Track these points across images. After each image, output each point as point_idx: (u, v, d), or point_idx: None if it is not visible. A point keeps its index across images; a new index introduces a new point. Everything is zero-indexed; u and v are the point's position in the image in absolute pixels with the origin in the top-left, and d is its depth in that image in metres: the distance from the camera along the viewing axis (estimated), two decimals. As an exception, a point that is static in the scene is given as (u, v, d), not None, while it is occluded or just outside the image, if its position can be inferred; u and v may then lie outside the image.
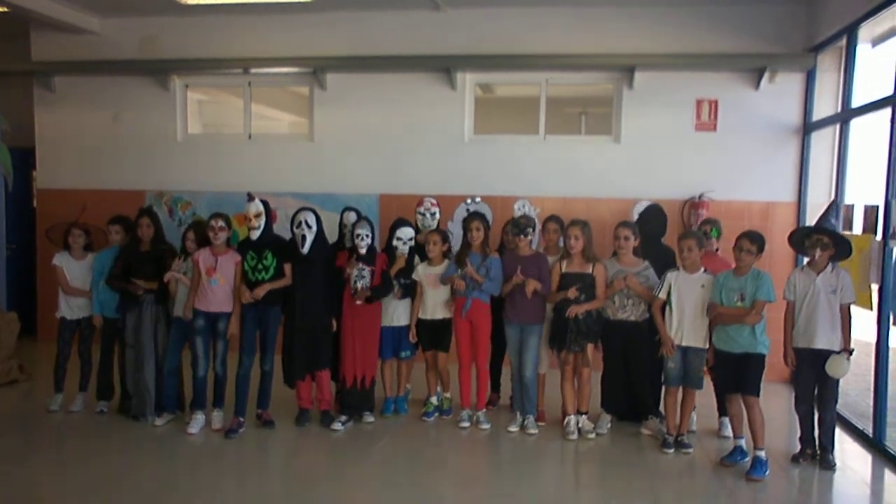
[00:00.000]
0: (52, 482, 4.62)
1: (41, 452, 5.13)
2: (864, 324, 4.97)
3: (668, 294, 5.10)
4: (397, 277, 5.56)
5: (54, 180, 8.43)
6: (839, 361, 4.73)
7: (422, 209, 5.93)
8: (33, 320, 8.14)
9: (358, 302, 5.39)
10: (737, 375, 4.84)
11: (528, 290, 5.26)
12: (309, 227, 5.34)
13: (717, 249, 5.63)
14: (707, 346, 5.05)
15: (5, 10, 7.18)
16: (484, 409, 5.70)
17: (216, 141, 8.57)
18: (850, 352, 4.80)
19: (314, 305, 5.37)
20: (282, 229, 5.85)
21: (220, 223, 5.28)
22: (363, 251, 5.41)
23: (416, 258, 5.68)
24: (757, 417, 4.75)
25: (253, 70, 8.01)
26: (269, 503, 4.34)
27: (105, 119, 8.35)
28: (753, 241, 4.85)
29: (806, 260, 5.11)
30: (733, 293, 4.84)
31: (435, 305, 5.60)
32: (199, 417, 5.39)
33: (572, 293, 5.22)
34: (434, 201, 5.98)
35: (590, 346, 5.30)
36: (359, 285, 5.37)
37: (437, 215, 5.95)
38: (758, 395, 4.78)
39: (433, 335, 5.66)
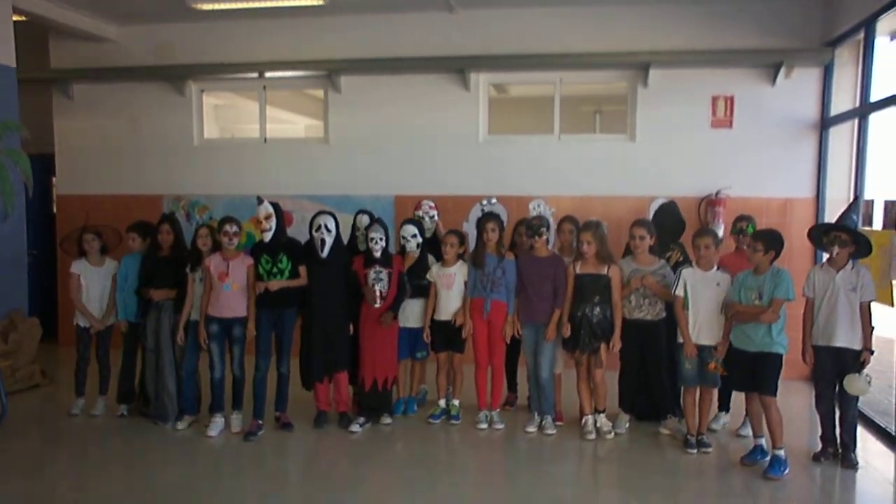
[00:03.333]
0: (73, 485, 4.67)
1: (63, 456, 5.20)
2: (886, 320, 4.90)
3: (685, 292, 5.07)
4: (406, 274, 5.57)
5: (73, 186, 8.54)
6: (856, 380, 4.67)
7: (420, 212, 5.92)
8: (54, 325, 8.23)
9: (385, 325, 5.42)
10: (753, 374, 4.79)
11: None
12: (328, 230, 5.37)
13: None
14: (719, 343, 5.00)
15: (24, 19, 7.28)
16: (498, 409, 5.70)
17: (232, 145, 8.64)
18: (872, 351, 4.74)
19: (332, 308, 5.40)
20: (298, 233, 5.88)
21: (234, 228, 5.30)
22: (377, 254, 5.42)
23: (431, 258, 5.69)
24: (774, 417, 4.71)
25: (268, 74, 8.07)
26: (288, 505, 4.37)
27: (123, 125, 8.45)
28: (756, 238, 4.82)
29: (825, 257, 5.06)
30: (751, 292, 4.79)
31: (449, 307, 5.60)
32: (219, 420, 5.43)
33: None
34: (432, 204, 5.98)
35: (602, 347, 5.27)
36: (377, 288, 5.39)
37: (436, 217, 5.95)
38: (774, 395, 4.73)
39: (448, 336, 5.65)
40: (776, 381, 4.74)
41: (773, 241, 4.77)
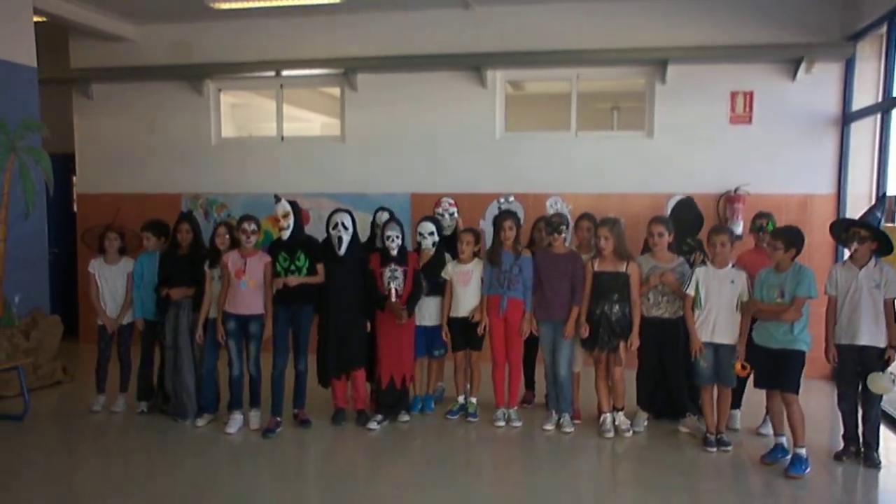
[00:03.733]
0: (94, 481, 4.71)
1: (84, 451, 5.24)
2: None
3: (697, 290, 5.03)
4: (422, 271, 5.57)
5: (93, 185, 8.63)
6: (880, 379, 4.62)
7: (440, 210, 5.91)
8: (75, 323, 8.32)
9: (400, 322, 5.42)
10: (775, 371, 4.75)
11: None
12: (346, 228, 5.38)
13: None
14: (737, 342, 4.97)
15: (44, 19, 7.35)
16: (516, 407, 5.69)
17: (249, 143, 8.67)
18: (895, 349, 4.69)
19: (348, 306, 5.41)
20: (315, 231, 5.89)
21: (252, 226, 5.32)
22: (394, 252, 5.43)
23: (447, 256, 5.68)
24: (796, 415, 4.66)
25: (284, 72, 8.10)
26: (307, 502, 4.38)
27: (141, 124, 8.52)
28: (776, 237, 4.76)
29: (847, 254, 5.00)
30: (773, 289, 4.74)
31: (466, 303, 5.58)
32: (237, 417, 5.46)
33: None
34: (452, 201, 5.97)
35: (621, 345, 5.24)
36: (392, 286, 5.40)
37: (456, 215, 5.94)
38: (796, 393, 4.68)
39: (465, 333, 5.64)
40: (798, 378, 4.70)
41: (793, 239, 4.72)
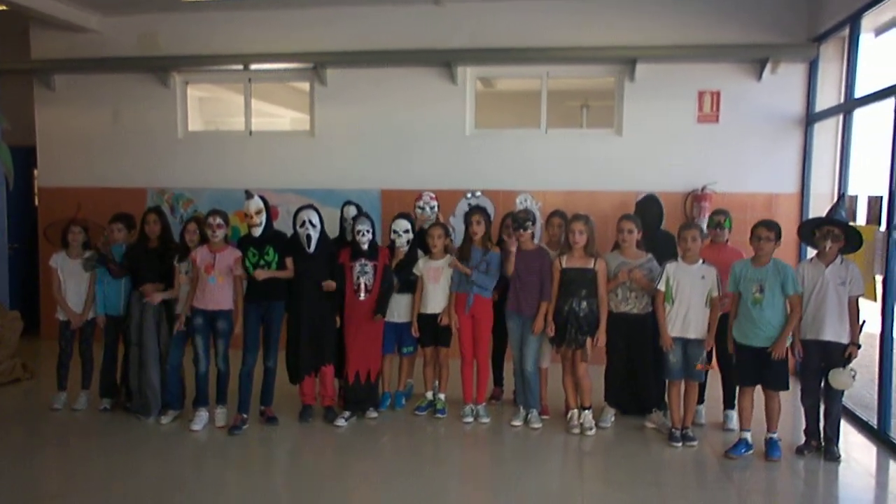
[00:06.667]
0: (56, 480, 4.62)
1: (45, 450, 5.13)
2: (868, 314, 4.95)
3: (668, 285, 5.08)
4: (396, 270, 5.55)
5: (55, 178, 8.44)
6: (840, 374, 4.72)
7: (421, 203, 5.92)
8: (36, 319, 8.15)
9: (376, 319, 5.42)
10: (761, 369, 4.82)
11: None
12: (313, 225, 5.33)
13: (727, 240, 5.57)
14: (706, 336, 5.04)
15: (5, 8, 7.17)
16: (484, 403, 5.69)
17: (217, 138, 8.57)
18: (858, 346, 4.79)
19: (318, 302, 5.36)
20: (283, 227, 5.84)
21: (218, 220, 5.25)
22: (365, 247, 5.40)
23: (419, 251, 5.67)
24: (776, 406, 4.83)
25: (253, 66, 8.00)
26: (274, 500, 4.34)
27: (105, 117, 8.35)
28: (770, 228, 4.80)
29: (812, 252, 5.08)
30: (752, 284, 4.79)
31: (436, 300, 5.58)
32: (203, 414, 5.39)
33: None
34: (433, 195, 5.97)
35: (588, 341, 5.26)
36: (362, 281, 5.37)
37: (437, 209, 5.94)
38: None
39: (433, 330, 5.63)
40: (787, 374, 4.85)
41: (781, 231, 4.81)
